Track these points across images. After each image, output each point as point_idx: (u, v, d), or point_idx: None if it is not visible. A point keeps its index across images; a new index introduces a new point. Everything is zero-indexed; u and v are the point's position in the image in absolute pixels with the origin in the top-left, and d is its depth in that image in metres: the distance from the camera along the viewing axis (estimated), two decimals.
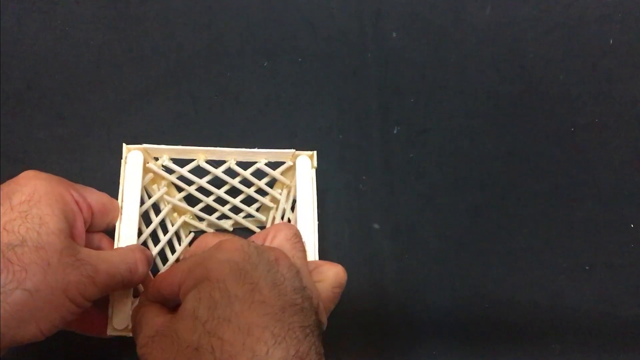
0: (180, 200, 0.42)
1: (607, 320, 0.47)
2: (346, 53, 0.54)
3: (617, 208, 0.50)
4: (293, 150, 0.39)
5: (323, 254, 0.47)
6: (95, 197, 0.34)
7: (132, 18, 0.54)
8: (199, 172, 0.39)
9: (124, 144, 0.37)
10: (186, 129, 0.50)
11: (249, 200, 0.43)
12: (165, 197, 0.41)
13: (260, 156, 0.39)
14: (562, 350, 0.46)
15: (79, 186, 0.33)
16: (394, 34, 0.55)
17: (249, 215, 0.44)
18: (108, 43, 0.52)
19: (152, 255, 0.36)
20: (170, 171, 0.39)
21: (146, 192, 0.39)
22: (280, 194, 0.43)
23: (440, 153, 0.51)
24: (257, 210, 0.44)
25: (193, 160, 0.39)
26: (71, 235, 0.30)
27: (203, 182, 0.40)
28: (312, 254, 0.36)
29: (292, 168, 0.40)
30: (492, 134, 0.52)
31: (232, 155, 0.39)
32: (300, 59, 0.54)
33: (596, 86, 0.54)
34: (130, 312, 0.33)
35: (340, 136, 0.51)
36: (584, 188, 0.51)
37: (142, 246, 0.35)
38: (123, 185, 0.36)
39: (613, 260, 0.49)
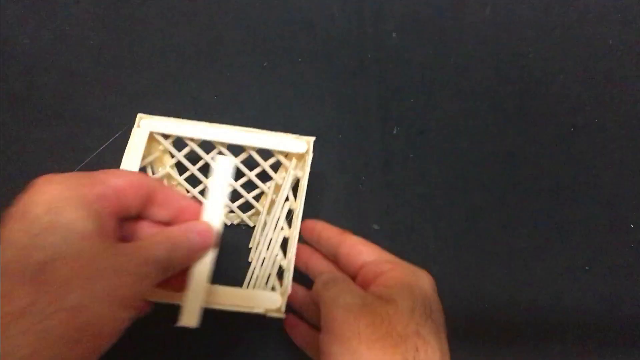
0: (183, 180, 0.44)
1: (607, 320, 0.47)
2: (346, 53, 0.54)
3: (617, 208, 0.50)
4: (286, 151, 0.40)
5: None
6: (121, 179, 0.30)
7: (132, 18, 0.54)
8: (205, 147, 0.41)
9: (138, 114, 0.39)
10: None
11: (246, 189, 0.44)
12: (169, 170, 0.43)
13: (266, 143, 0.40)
14: (562, 350, 0.46)
15: (101, 174, 0.30)
16: (394, 34, 0.55)
17: (248, 205, 0.46)
18: (108, 43, 0.52)
19: (202, 233, 0.32)
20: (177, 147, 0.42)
21: (151, 168, 0.42)
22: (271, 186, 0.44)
23: (440, 153, 0.51)
24: (257, 199, 0.45)
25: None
26: (104, 235, 0.27)
27: (194, 170, 0.43)
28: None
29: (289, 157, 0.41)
30: (492, 134, 0.52)
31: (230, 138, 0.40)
32: (300, 59, 0.54)
33: (596, 86, 0.54)
34: (198, 311, 0.32)
35: (340, 136, 0.51)
36: (584, 188, 0.51)
37: (190, 226, 0.32)
38: (129, 146, 0.38)
39: (613, 260, 0.49)
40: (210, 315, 0.34)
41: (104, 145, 0.47)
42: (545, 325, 0.46)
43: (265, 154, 0.41)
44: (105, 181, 0.29)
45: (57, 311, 0.24)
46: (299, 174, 0.40)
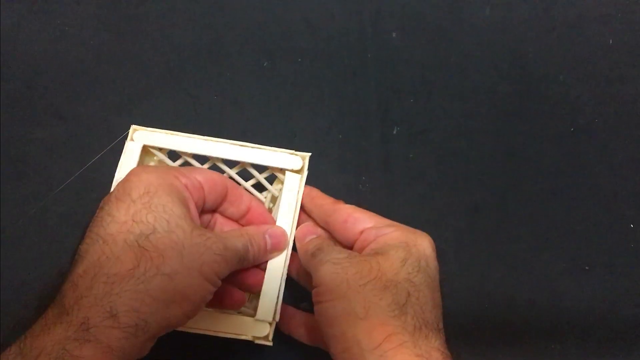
0: None
1: (607, 320, 0.47)
2: (346, 53, 0.54)
3: (617, 208, 0.50)
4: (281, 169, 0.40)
5: None
6: (202, 176, 0.35)
7: (132, 18, 0.54)
8: (200, 158, 0.40)
9: (132, 125, 0.38)
10: (186, 129, 0.50)
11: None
12: None
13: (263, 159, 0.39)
14: (562, 350, 0.46)
15: (186, 169, 0.34)
16: (394, 34, 0.55)
17: None
18: (108, 43, 0.52)
19: (277, 237, 0.37)
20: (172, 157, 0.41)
21: None
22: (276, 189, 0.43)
23: (440, 153, 0.51)
24: None
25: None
26: (190, 218, 0.31)
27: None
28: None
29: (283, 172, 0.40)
30: (491, 134, 0.52)
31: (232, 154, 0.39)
32: (300, 59, 0.54)
33: (596, 86, 0.54)
34: (275, 307, 0.36)
35: (340, 136, 0.51)
36: (584, 188, 0.51)
37: (266, 228, 0.36)
38: (122, 160, 0.38)
39: (613, 260, 0.49)
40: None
41: (104, 152, 0.47)
42: (545, 325, 0.46)
43: (261, 166, 0.41)
44: (189, 175, 0.34)
45: (155, 275, 0.28)
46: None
